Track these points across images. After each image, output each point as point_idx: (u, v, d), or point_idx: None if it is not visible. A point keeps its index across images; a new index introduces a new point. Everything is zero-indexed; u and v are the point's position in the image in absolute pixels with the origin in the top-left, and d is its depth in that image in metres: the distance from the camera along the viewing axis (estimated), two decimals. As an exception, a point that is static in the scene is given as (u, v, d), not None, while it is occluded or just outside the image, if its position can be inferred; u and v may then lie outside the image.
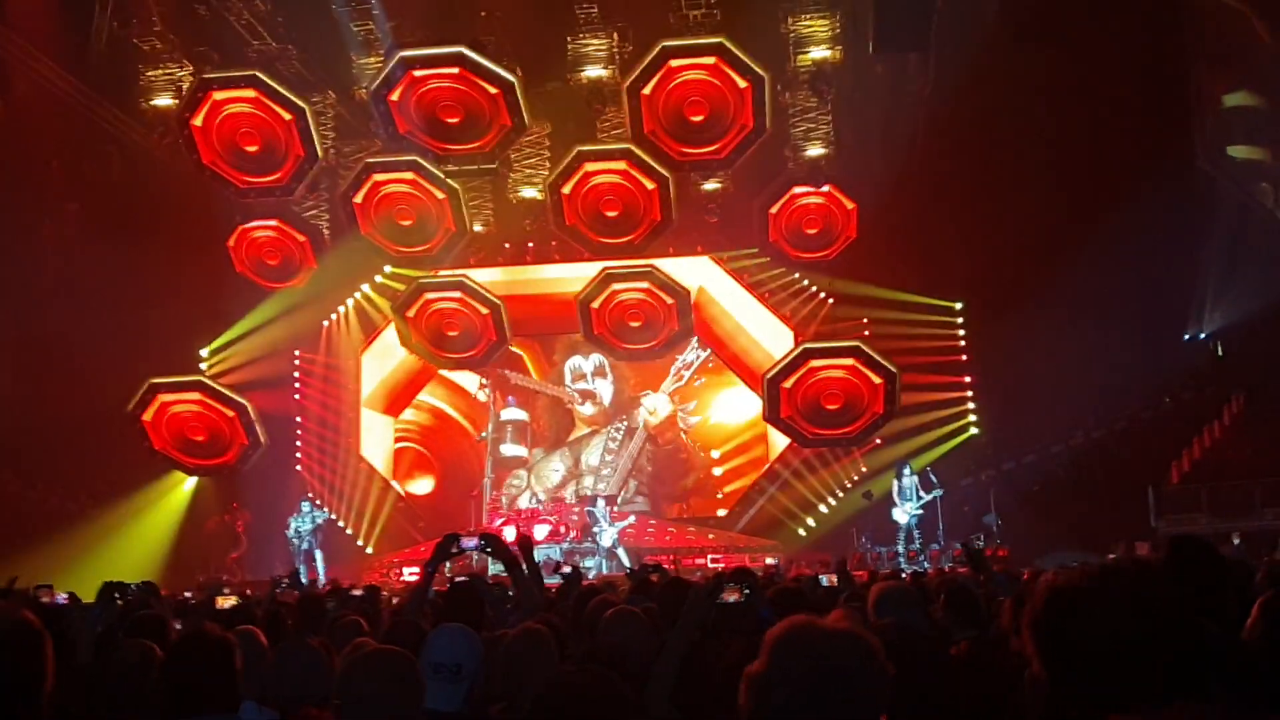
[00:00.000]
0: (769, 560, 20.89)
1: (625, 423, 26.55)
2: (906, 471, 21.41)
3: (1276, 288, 21.61)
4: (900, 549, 20.67)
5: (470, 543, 6.43)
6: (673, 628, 4.30)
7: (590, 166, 21.55)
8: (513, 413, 26.38)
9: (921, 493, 20.93)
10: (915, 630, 3.36)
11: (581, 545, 21.97)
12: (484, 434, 25.72)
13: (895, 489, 21.31)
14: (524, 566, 6.11)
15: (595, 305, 22.51)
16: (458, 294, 22.83)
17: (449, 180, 22.16)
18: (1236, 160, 23.36)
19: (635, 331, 22.94)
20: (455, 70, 20.35)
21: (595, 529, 21.69)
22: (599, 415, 26.81)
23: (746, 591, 4.12)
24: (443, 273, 23.81)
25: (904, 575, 13.60)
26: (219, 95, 20.84)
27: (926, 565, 19.28)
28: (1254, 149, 23.61)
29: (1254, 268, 22.40)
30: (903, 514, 21.06)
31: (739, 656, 3.61)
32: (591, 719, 2.81)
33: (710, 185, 24.61)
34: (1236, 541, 17.37)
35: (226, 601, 6.52)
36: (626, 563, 21.09)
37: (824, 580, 7.82)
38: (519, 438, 26.38)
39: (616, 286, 22.52)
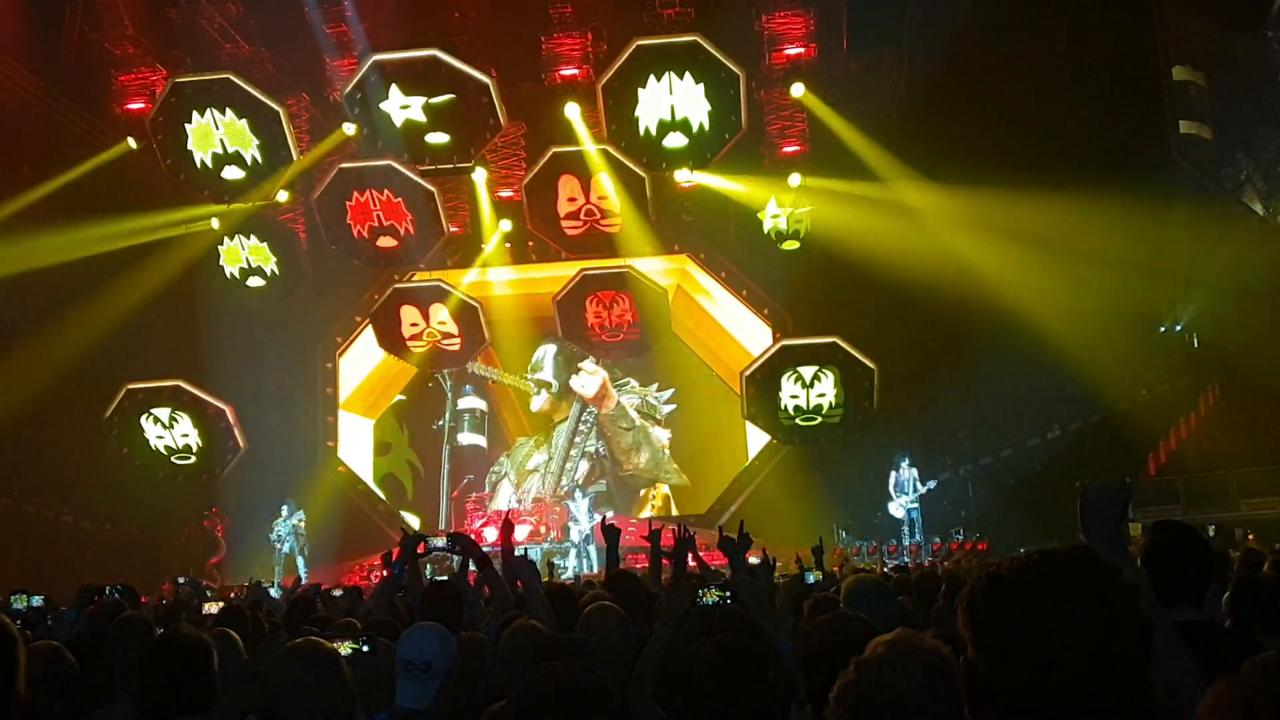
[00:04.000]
0: (752, 559, 20.87)
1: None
2: (904, 463, 21.18)
3: (1250, 278, 21.76)
4: (905, 543, 20.53)
5: (439, 543, 6.42)
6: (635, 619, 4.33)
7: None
8: (470, 401, 26.21)
9: (919, 485, 20.89)
10: (869, 625, 3.35)
11: (562, 545, 21.96)
12: (440, 423, 25.58)
13: (892, 481, 21.20)
14: (502, 564, 6.12)
15: (573, 305, 22.72)
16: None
17: (425, 183, 22.21)
18: (1203, 147, 23.52)
19: (613, 330, 23.11)
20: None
21: (570, 523, 21.72)
22: (553, 404, 26.57)
23: (727, 596, 4.13)
24: (417, 277, 23.94)
25: (888, 569, 13.63)
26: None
27: (906, 560, 19.31)
28: (1198, 125, 23.81)
29: (1226, 258, 22.53)
30: (899, 508, 21.01)
31: (717, 652, 3.63)
32: (575, 714, 2.80)
33: (687, 183, 24.59)
34: (1211, 532, 17.45)
35: (212, 606, 6.51)
36: (594, 561, 21.08)
37: (810, 577, 7.89)
38: (476, 427, 26.31)
39: (594, 287, 22.73)
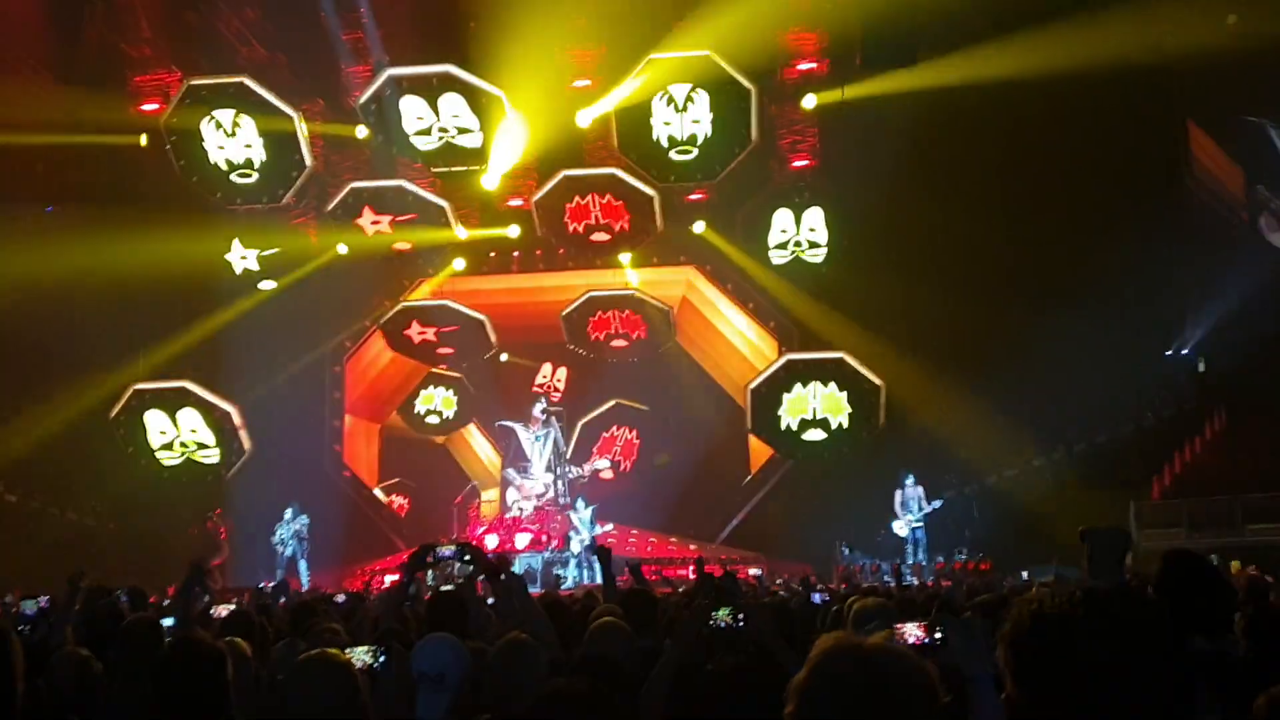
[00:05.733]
0: (752, 571, 20.87)
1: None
2: (909, 482, 21.01)
3: (1258, 304, 21.76)
4: (909, 562, 20.39)
5: (447, 551, 6.41)
6: (642, 634, 4.32)
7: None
8: None
9: (924, 503, 20.82)
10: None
11: (562, 554, 21.89)
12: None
13: (898, 499, 21.12)
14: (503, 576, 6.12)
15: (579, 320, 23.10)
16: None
17: (436, 199, 22.47)
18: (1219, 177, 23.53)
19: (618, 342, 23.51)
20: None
21: (571, 533, 21.64)
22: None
23: (740, 617, 4.13)
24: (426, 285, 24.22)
25: (889, 585, 13.59)
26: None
27: (911, 579, 19.23)
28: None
29: (1237, 284, 22.53)
30: (904, 526, 20.91)
31: (729, 671, 3.66)
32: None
33: (695, 196, 24.59)
34: (1214, 560, 17.36)
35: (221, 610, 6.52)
36: (596, 572, 20.99)
37: (817, 598, 7.82)
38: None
39: (600, 309, 23.07)
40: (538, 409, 23.51)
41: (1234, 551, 18.24)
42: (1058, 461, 23.66)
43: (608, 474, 25.02)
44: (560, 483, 23.11)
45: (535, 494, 23.13)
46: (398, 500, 27.48)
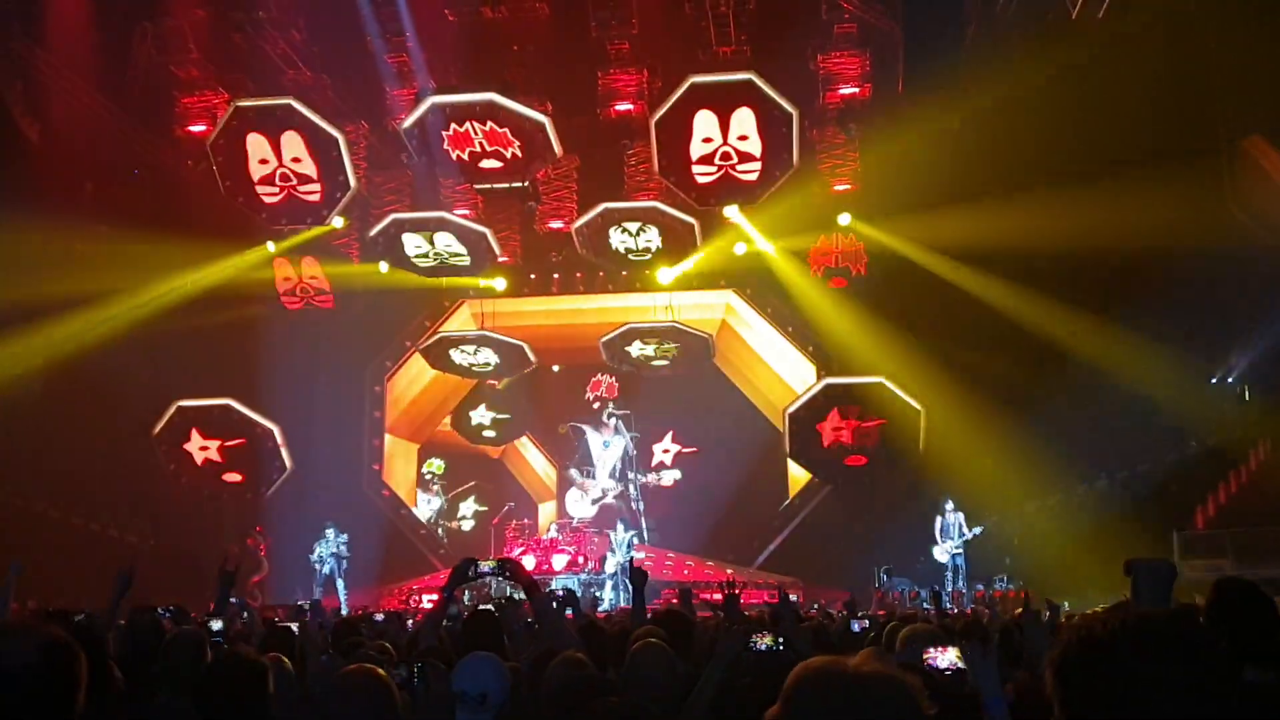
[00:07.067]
0: (790, 598, 20.71)
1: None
2: (949, 507, 20.91)
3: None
4: (948, 589, 20.21)
5: (486, 567, 6.43)
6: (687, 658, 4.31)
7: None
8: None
9: (964, 530, 20.67)
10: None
11: (599, 576, 21.86)
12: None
13: (937, 525, 21.00)
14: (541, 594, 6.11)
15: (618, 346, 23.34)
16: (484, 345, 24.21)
17: (477, 226, 22.68)
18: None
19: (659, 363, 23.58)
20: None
21: (609, 554, 21.61)
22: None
23: (780, 641, 4.11)
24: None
25: (929, 612, 13.49)
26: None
27: (951, 607, 19.06)
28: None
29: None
30: (943, 552, 20.77)
31: (771, 692, 3.63)
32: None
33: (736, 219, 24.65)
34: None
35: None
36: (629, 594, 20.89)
37: (855, 626, 7.74)
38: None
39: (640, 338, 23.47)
40: (605, 415, 23.84)
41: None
42: (1100, 489, 23.41)
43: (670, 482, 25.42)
44: (633, 486, 23.30)
45: (593, 498, 23.32)
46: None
